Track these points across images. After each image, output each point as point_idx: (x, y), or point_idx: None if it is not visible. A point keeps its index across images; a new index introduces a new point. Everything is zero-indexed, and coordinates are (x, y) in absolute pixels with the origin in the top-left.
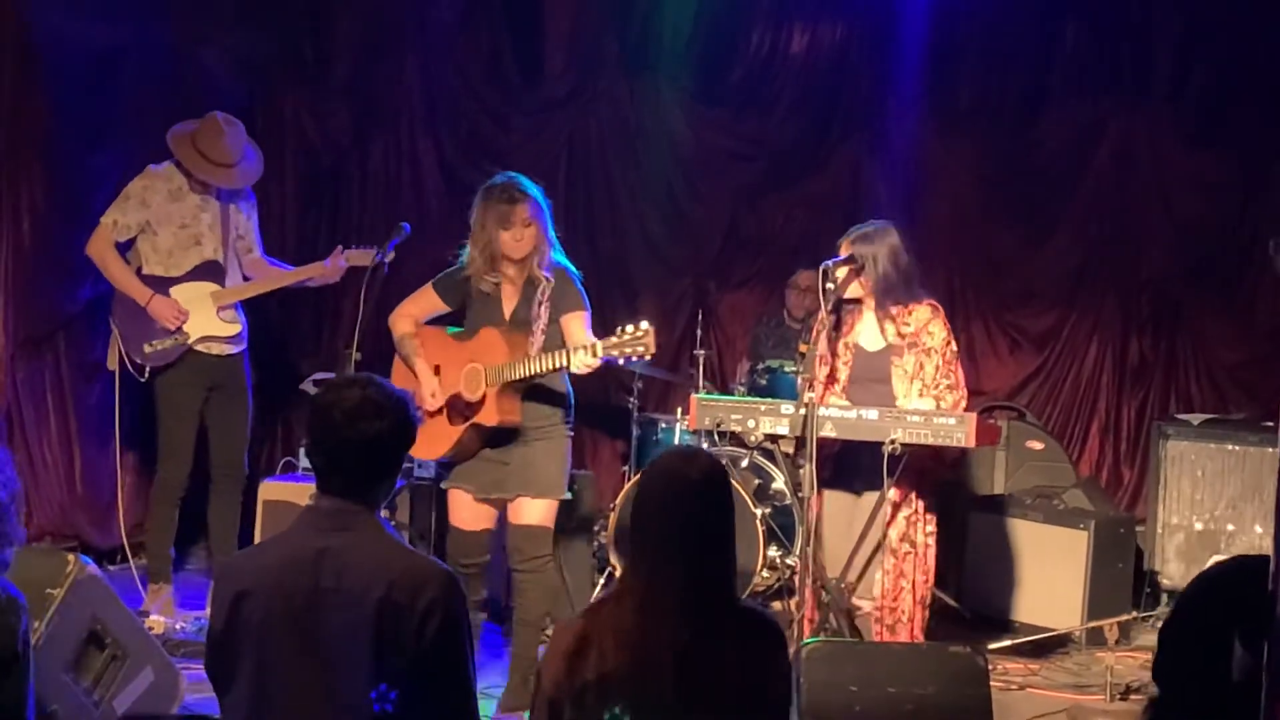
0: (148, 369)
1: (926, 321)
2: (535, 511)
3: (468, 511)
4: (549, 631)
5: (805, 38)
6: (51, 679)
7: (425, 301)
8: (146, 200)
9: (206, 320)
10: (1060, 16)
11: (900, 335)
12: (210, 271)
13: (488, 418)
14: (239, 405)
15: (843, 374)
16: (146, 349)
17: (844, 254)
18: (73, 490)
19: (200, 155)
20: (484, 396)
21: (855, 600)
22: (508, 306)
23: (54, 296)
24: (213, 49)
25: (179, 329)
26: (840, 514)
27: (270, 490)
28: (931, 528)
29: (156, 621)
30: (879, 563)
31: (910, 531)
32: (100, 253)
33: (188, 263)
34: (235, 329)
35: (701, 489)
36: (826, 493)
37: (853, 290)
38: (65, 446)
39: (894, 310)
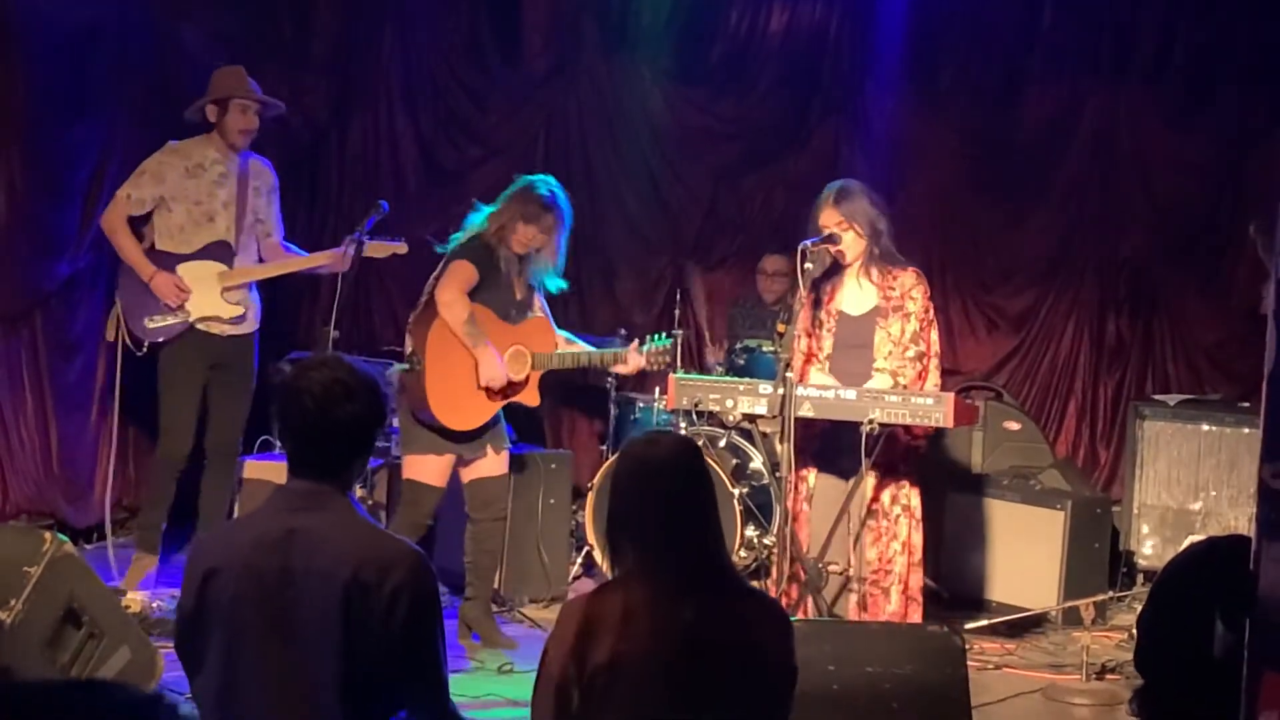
0: (146, 344)
1: (910, 287)
2: (503, 463)
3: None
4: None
5: (785, 16)
6: (28, 657)
7: (468, 277)
8: (161, 175)
9: (210, 300)
10: None
11: (886, 299)
12: (219, 251)
13: (530, 399)
14: (240, 387)
15: (827, 343)
16: (147, 324)
17: (827, 218)
18: (49, 468)
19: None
20: (528, 378)
21: (830, 567)
22: (518, 290)
23: (32, 273)
24: (191, 25)
25: (180, 306)
26: (827, 496)
27: (250, 469)
28: (918, 498)
29: (134, 600)
30: (869, 529)
31: (900, 495)
32: (112, 225)
33: (199, 240)
34: (239, 310)
35: (675, 467)
36: (814, 474)
37: (850, 249)
38: (42, 424)
39: (877, 273)
